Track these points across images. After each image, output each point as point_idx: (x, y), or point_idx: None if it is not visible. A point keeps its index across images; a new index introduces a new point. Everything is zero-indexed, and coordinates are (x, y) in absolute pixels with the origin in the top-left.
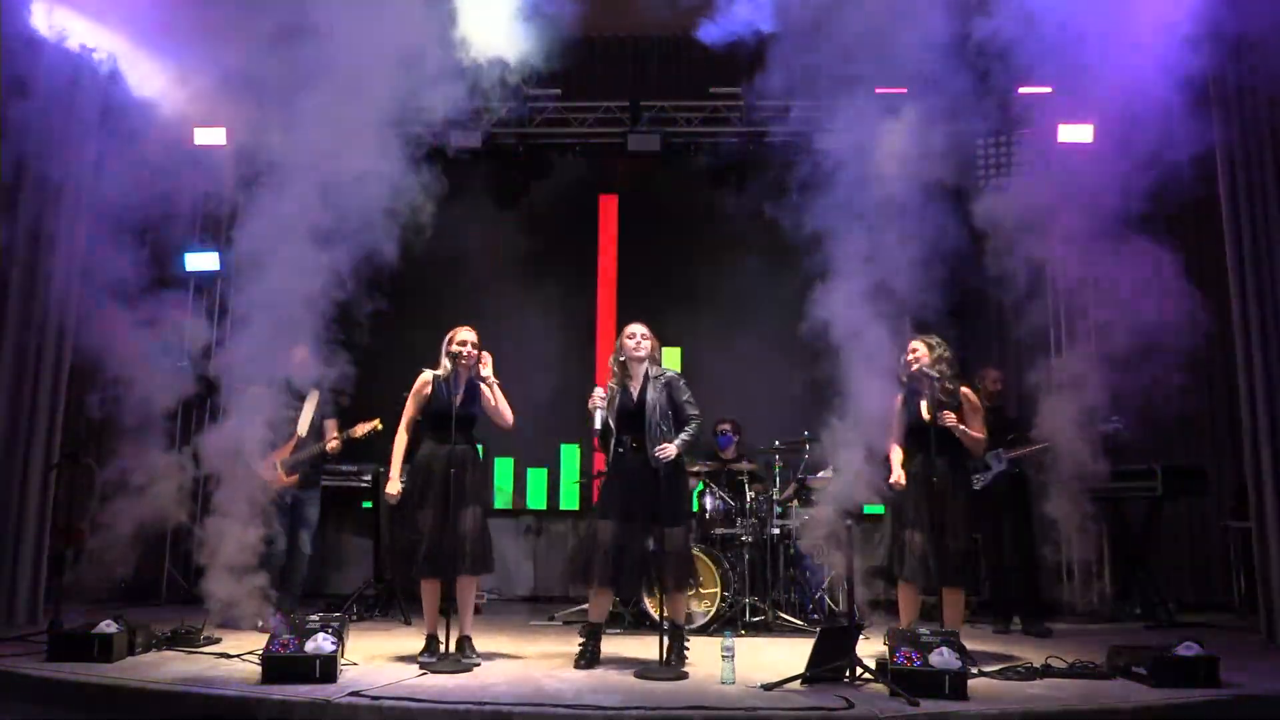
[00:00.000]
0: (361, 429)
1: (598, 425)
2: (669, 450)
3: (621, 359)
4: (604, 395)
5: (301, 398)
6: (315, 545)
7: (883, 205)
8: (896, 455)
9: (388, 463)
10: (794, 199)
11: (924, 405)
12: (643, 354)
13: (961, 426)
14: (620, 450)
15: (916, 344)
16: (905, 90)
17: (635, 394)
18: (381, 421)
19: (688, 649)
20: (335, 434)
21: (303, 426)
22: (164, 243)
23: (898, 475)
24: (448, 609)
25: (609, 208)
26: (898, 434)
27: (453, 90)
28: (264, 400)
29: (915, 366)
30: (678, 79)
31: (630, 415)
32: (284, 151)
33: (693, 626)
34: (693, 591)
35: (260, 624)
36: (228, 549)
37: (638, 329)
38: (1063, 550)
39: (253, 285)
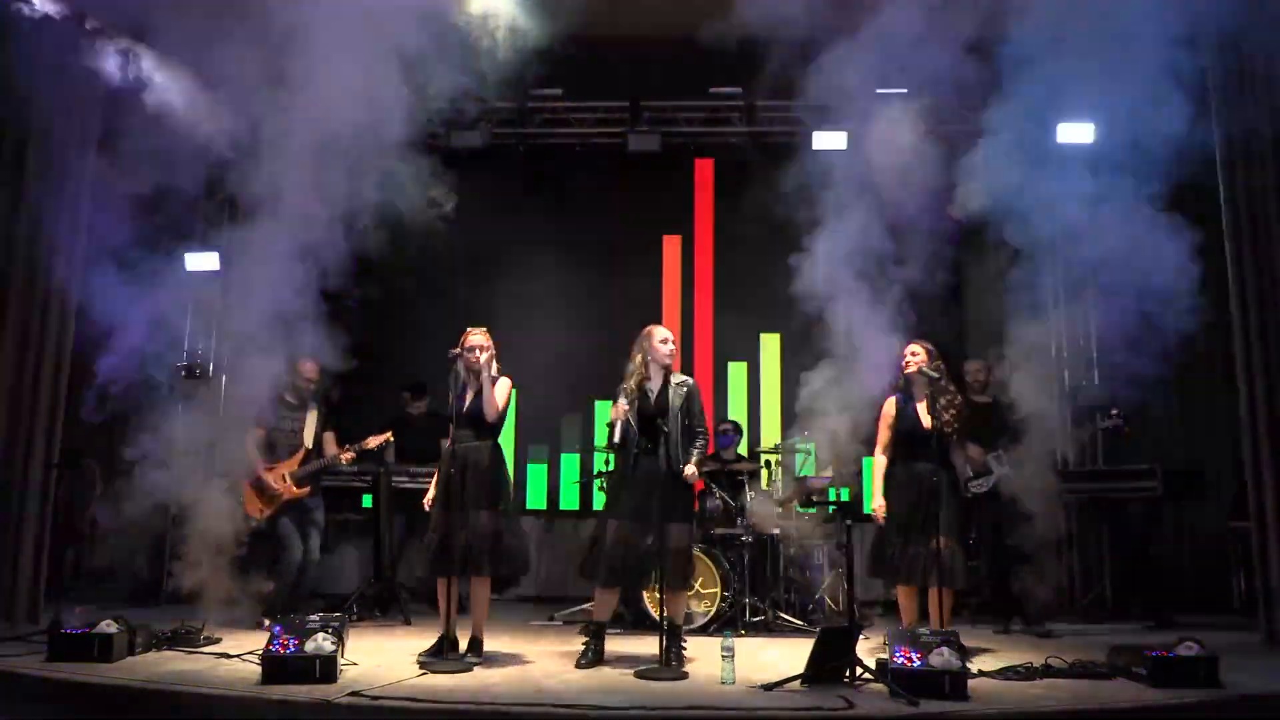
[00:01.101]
0: (374, 441)
1: (616, 437)
2: (692, 472)
3: (647, 359)
4: (627, 408)
5: (300, 409)
6: (323, 548)
7: (883, 202)
8: (880, 466)
9: (386, 464)
10: (795, 197)
11: (921, 409)
12: (670, 360)
13: (971, 477)
14: (635, 451)
15: (915, 347)
16: (905, 90)
17: (654, 396)
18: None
19: (685, 648)
20: (335, 446)
21: (308, 438)
22: (167, 231)
23: (879, 504)
24: (449, 609)
25: (610, 213)
26: (884, 440)
27: (454, 89)
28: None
29: (914, 368)
30: (678, 79)
31: (649, 418)
32: (284, 141)
33: (692, 627)
34: (691, 591)
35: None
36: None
37: (668, 333)
38: (1062, 550)
39: (254, 290)
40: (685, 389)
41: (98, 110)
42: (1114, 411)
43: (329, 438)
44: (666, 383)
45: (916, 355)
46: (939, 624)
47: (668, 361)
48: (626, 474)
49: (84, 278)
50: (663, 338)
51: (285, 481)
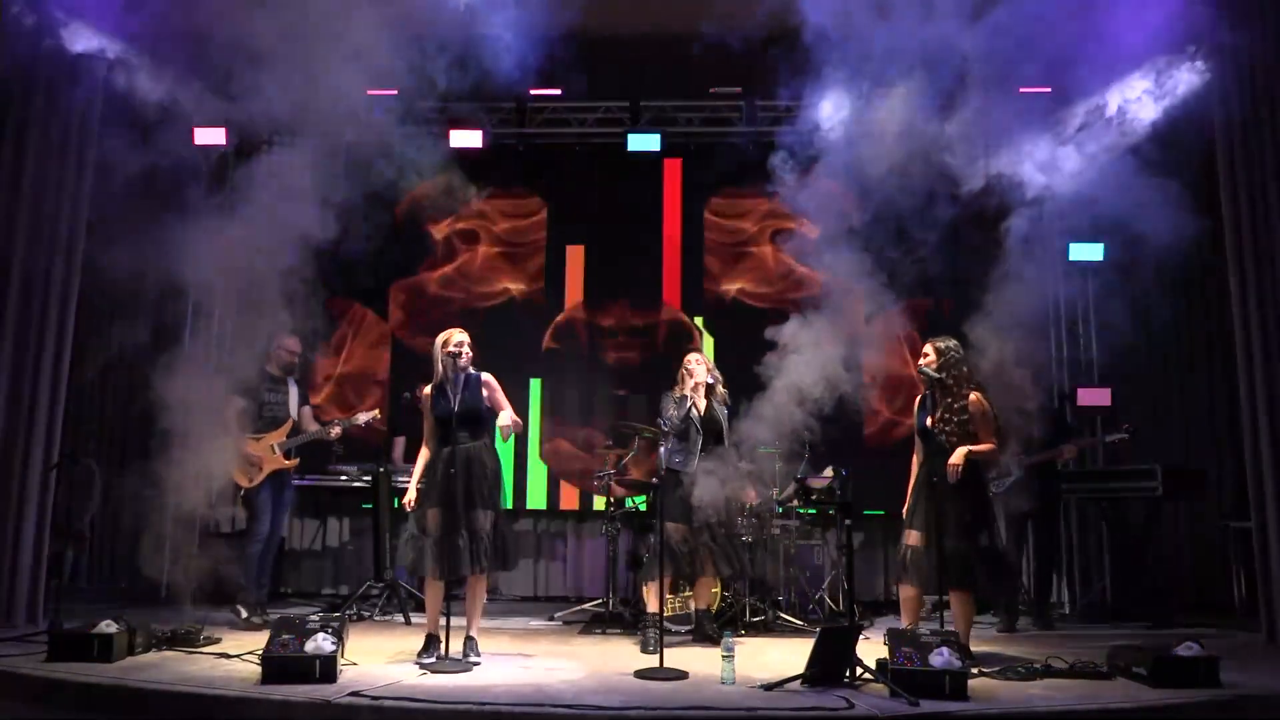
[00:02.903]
0: (362, 416)
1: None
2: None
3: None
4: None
5: (282, 383)
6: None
7: (885, 204)
8: (915, 467)
9: (388, 463)
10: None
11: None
12: (706, 378)
13: (956, 464)
14: (699, 455)
15: (928, 348)
16: (905, 91)
17: (703, 411)
18: (380, 411)
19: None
20: (312, 422)
21: (293, 412)
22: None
23: (909, 507)
24: (447, 609)
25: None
26: (916, 441)
27: (453, 89)
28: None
29: (920, 372)
30: (678, 79)
31: (706, 431)
32: (279, 139)
33: (691, 627)
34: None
35: (243, 614)
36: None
37: (700, 355)
38: (1063, 551)
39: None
40: (726, 406)
41: (98, 95)
42: (1125, 426)
43: (306, 413)
44: (710, 398)
45: (926, 357)
46: (959, 627)
47: (701, 380)
48: (678, 480)
49: (84, 270)
50: (697, 360)
51: (274, 452)
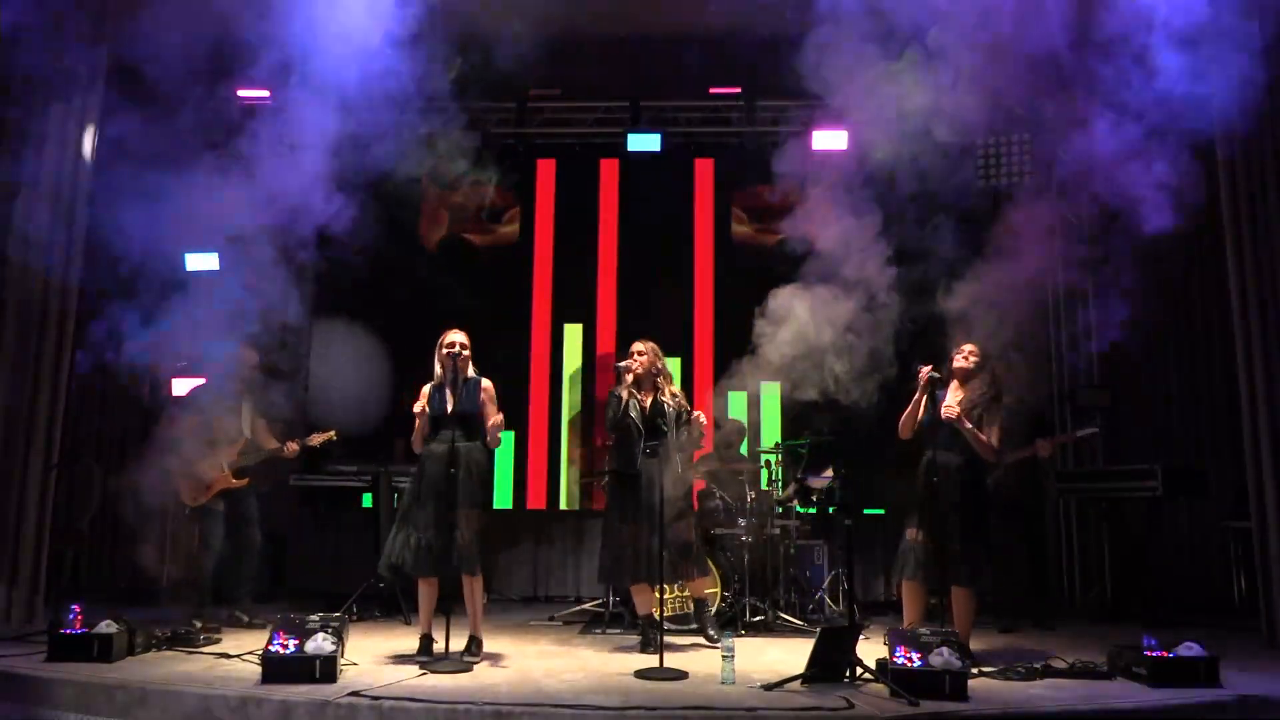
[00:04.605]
0: (317, 438)
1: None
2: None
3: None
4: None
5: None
6: (262, 533)
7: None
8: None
9: (386, 464)
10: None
11: (950, 401)
12: (643, 369)
13: (969, 426)
14: (642, 453)
15: (971, 346)
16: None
17: (649, 403)
18: (336, 432)
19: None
20: (267, 435)
21: (247, 429)
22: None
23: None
24: (447, 609)
25: (609, 216)
26: (906, 425)
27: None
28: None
29: (918, 371)
30: (678, 79)
31: (649, 422)
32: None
33: (693, 626)
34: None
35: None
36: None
37: (640, 345)
38: (1063, 551)
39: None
40: (678, 399)
41: (100, 81)
42: (1096, 421)
43: (261, 426)
44: (659, 391)
45: (973, 356)
46: (960, 626)
47: (639, 370)
48: (632, 477)
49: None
50: (640, 350)
51: (224, 471)
